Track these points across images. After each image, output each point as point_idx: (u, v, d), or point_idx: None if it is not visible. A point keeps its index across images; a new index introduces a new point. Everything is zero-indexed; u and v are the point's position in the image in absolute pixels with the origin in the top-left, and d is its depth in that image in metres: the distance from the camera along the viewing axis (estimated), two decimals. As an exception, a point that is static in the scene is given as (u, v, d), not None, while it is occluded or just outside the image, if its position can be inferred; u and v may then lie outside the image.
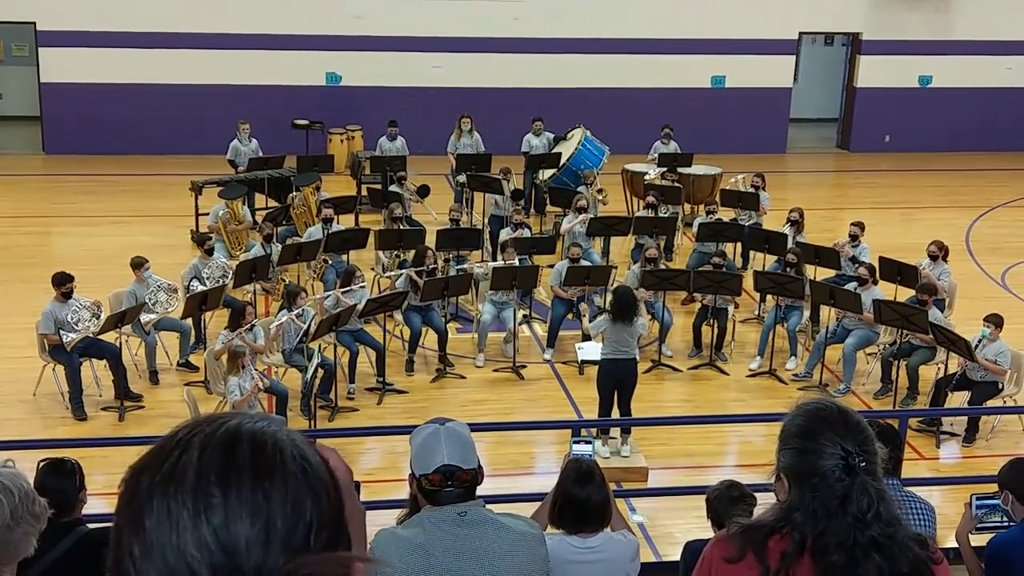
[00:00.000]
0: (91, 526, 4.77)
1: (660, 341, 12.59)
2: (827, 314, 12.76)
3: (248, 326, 10.80)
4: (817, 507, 2.51)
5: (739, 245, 15.28)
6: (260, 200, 16.42)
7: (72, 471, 4.84)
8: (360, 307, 11.48)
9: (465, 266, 13.08)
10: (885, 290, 12.48)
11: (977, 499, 5.08)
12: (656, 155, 17.64)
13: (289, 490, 1.24)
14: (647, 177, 16.72)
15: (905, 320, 11.29)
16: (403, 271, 12.55)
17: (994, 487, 5.15)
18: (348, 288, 11.70)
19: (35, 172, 19.85)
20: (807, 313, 12.91)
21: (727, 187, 16.44)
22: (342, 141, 20.26)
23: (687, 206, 17.07)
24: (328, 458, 1.34)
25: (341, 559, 1.24)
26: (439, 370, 12.17)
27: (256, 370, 10.26)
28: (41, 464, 4.89)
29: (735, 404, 11.74)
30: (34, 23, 20.08)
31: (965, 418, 11.07)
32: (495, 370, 12.31)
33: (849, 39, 23.32)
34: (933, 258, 12.98)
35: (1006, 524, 5.02)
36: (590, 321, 11.56)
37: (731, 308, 12.92)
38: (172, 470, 1.24)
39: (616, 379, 10.25)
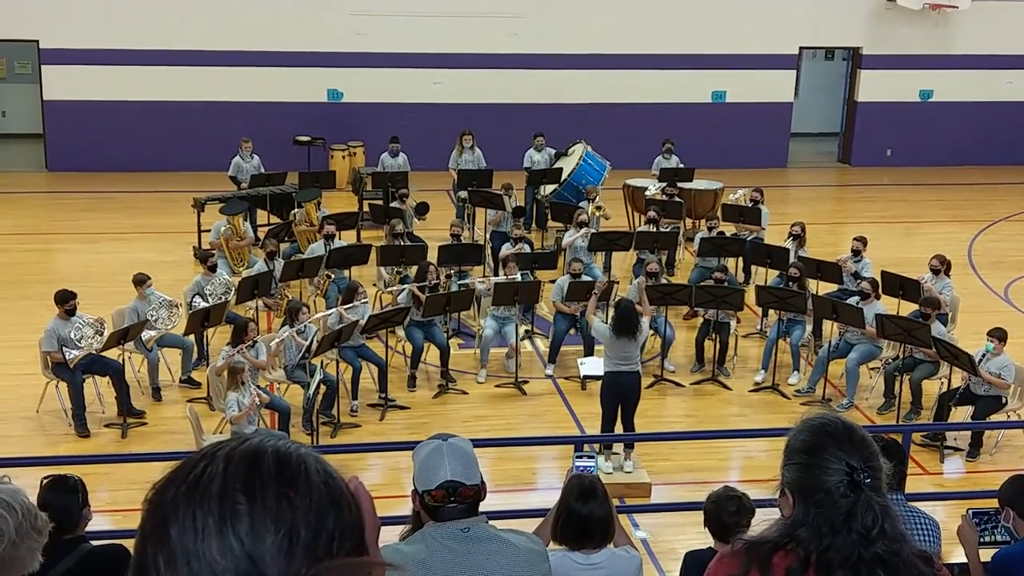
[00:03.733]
0: (95, 543, 4.77)
1: (662, 356, 12.57)
2: (830, 329, 12.74)
3: (250, 342, 10.81)
4: (822, 523, 2.50)
5: (741, 260, 15.27)
6: (262, 216, 16.44)
7: (75, 488, 4.85)
8: (362, 323, 11.49)
9: (467, 281, 13.09)
10: (888, 304, 12.47)
11: (974, 514, 5.07)
12: (657, 170, 17.65)
13: (313, 500, 1.26)
14: (648, 192, 16.72)
15: (908, 334, 11.28)
16: (405, 287, 12.56)
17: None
18: (351, 304, 11.70)
19: (38, 189, 19.87)
20: (810, 328, 12.90)
21: (728, 202, 16.45)
22: (343, 157, 20.28)
23: (688, 221, 17.07)
24: (356, 490, 1.37)
25: (360, 565, 1.25)
26: (441, 386, 12.16)
27: (257, 386, 10.25)
28: (44, 481, 4.90)
29: (738, 419, 11.72)
30: (37, 41, 20.13)
31: (969, 433, 11.05)
32: (497, 386, 12.30)
33: (850, 53, 23.35)
34: (935, 272, 12.97)
35: (1007, 540, 5.01)
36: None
37: (733, 323, 12.90)
38: (198, 480, 1.26)
39: (619, 392, 10.21)
